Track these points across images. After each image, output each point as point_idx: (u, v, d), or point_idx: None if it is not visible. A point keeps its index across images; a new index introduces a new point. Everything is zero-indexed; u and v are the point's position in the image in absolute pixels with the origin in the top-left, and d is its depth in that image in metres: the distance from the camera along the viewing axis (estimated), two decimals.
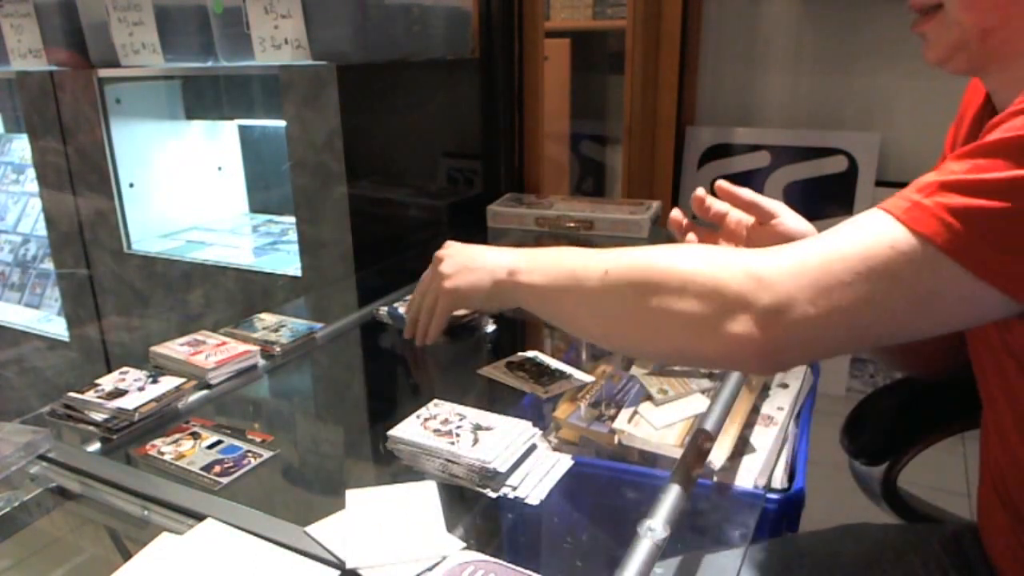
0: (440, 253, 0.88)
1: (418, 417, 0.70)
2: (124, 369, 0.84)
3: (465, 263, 0.84)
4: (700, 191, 0.88)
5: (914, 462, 0.88)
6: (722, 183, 0.86)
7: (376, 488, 0.61)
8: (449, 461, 0.63)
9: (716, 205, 0.88)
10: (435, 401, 0.72)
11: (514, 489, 0.61)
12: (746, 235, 0.86)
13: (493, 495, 0.61)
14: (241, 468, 0.70)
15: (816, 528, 0.82)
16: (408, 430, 0.67)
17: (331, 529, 0.57)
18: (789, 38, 1.70)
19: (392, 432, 0.67)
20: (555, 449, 0.71)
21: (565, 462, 0.66)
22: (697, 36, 1.77)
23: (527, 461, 0.65)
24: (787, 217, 0.83)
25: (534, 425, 0.69)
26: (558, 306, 0.70)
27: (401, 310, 1.05)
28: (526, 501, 0.60)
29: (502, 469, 0.61)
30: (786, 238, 0.81)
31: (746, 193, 0.84)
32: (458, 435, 0.66)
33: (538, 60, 1.68)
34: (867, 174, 1.65)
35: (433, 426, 0.68)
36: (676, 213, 0.89)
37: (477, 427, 0.67)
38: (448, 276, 0.85)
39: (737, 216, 0.87)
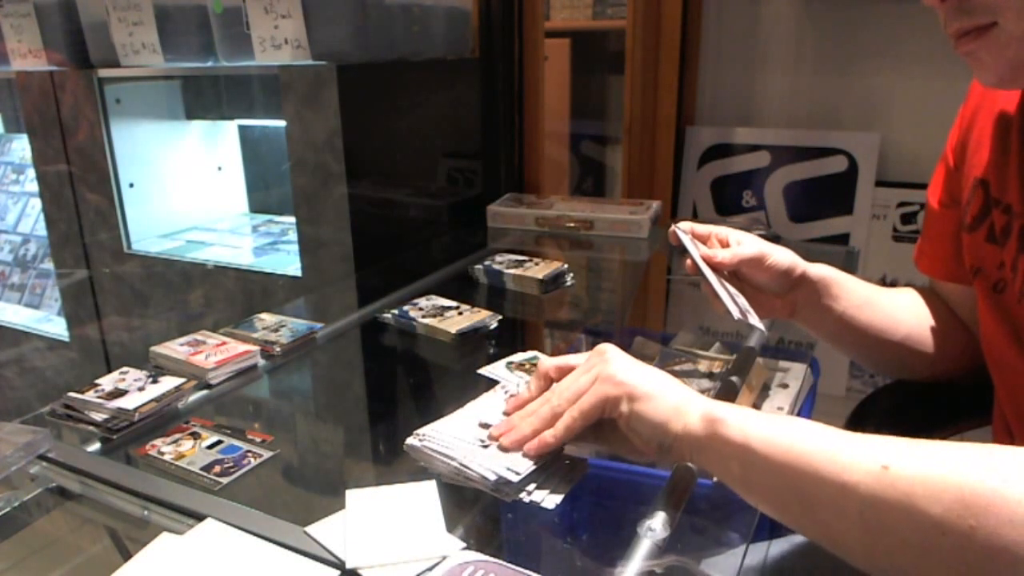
0: (604, 350, 0.62)
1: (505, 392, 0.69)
2: (124, 369, 0.84)
3: (650, 379, 0.59)
4: (678, 232, 0.83)
5: None
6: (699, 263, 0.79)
7: (376, 488, 0.61)
8: (464, 466, 0.61)
9: (698, 230, 0.83)
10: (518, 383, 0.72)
11: (529, 494, 0.59)
12: (739, 277, 0.82)
13: (508, 500, 0.59)
14: (241, 468, 0.70)
15: None
16: (450, 426, 0.66)
17: (331, 529, 0.57)
18: (789, 38, 1.70)
19: (425, 429, 0.65)
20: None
21: (582, 466, 0.64)
22: (697, 36, 1.77)
23: (544, 466, 0.62)
24: (774, 253, 0.80)
25: None
26: (783, 489, 0.50)
27: (412, 313, 1.04)
28: (542, 505, 0.58)
29: (514, 479, 0.59)
30: (779, 271, 0.80)
31: (726, 258, 0.79)
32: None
33: (538, 60, 1.68)
34: (867, 174, 1.65)
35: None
36: (677, 231, 0.83)
37: None
38: (624, 383, 0.59)
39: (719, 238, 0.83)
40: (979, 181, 0.73)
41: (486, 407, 0.69)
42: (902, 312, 0.85)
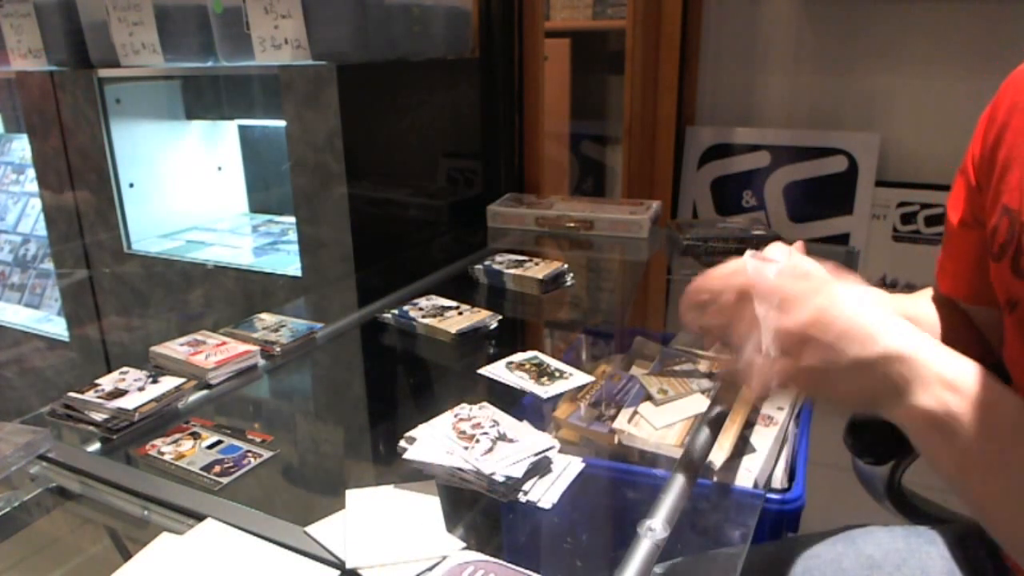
0: (793, 292, 0.58)
1: (455, 416, 0.69)
2: (124, 369, 0.84)
3: (837, 320, 0.55)
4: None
5: (919, 461, 0.87)
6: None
7: (376, 488, 0.61)
8: (458, 468, 0.62)
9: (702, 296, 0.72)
10: (481, 404, 0.71)
11: (526, 494, 0.60)
12: None
13: (504, 500, 0.60)
14: (241, 468, 0.70)
15: (816, 529, 0.82)
16: (431, 429, 0.66)
17: (331, 529, 0.57)
18: (789, 38, 1.70)
19: (412, 433, 0.66)
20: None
21: (576, 465, 0.65)
22: (697, 36, 1.77)
23: (538, 467, 0.63)
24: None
25: (534, 425, 0.68)
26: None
27: (412, 313, 1.04)
28: (538, 505, 0.59)
29: (499, 479, 0.60)
30: None
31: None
32: (478, 441, 0.65)
33: (538, 60, 1.68)
34: (867, 174, 1.65)
35: (462, 427, 0.67)
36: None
37: (501, 437, 0.66)
38: (812, 352, 0.55)
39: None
40: (1006, 209, 0.66)
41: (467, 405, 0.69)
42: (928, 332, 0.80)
